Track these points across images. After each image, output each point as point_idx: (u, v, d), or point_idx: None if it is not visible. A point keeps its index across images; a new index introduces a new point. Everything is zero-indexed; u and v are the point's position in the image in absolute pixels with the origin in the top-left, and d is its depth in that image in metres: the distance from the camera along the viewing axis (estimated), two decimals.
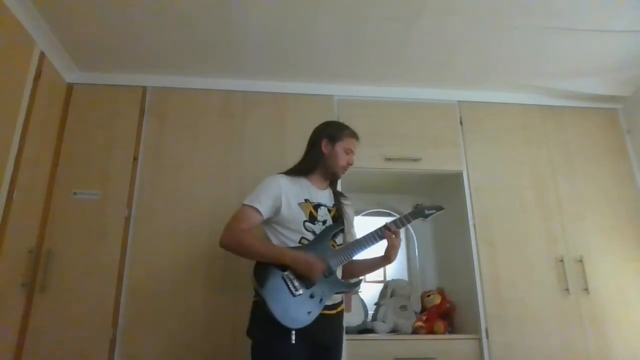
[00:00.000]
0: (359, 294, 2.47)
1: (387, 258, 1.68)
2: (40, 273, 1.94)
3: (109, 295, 1.96)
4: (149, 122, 2.25)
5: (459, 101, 2.48)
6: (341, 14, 1.94)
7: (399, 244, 1.68)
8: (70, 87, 2.24)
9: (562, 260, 2.23)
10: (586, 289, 2.19)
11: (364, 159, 2.28)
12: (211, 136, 2.26)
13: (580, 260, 2.24)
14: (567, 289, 2.19)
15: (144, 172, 2.16)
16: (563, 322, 2.14)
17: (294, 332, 1.42)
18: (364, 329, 2.33)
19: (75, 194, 2.08)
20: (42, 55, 1.98)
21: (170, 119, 2.27)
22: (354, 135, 1.77)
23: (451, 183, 2.42)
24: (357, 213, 2.71)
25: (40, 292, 1.92)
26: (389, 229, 1.64)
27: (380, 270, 2.73)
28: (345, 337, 2.00)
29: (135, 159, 2.17)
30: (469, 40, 2.12)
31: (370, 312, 2.47)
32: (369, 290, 2.61)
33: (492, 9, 1.91)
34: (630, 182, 2.44)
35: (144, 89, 2.30)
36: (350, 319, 2.30)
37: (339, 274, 1.63)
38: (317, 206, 1.66)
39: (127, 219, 2.08)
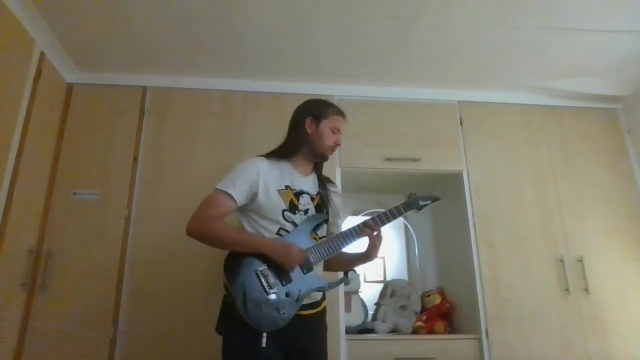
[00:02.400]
0: (359, 294, 2.47)
1: (367, 256, 1.54)
2: (40, 273, 1.94)
3: (109, 295, 1.96)
4: (149, 122, 2.25)
5: (459, 101, 2.48)
6: (341, 14, 1.94)
7: (380, 242, 1.51)
8: (70, 87, 2.24)
9: (562, 260, 2.23)
10: (586, 289, 2.19)
11: (364, 159, 2.29)
12: (211, 136, 2.26)
13: (580, 260, 2.24)
14: (567, 289, 2.19)
15: (144, 172, 2.16)
16: (563, 322, 2.14)
17: (264, 335, 1.31)
18: (364, 329, 2.33)
19: (75, 194, 2.08)
20: (42, 55, 1.98)
21: (170, 119, 2.27)
22: (340, 112, 1.61)
23: (451, 183, 2.42)
24: (357, 213, 2.72)
25: (40, 292, 1.92)
26: (370, 227, 1.49)
27: (380, 270, 2.73)
28: (345, 337, 2.02)
29: (135, 159, 2.17)
30: (469, 40, 2.12)
31: (370, 312, 2.47)
32: (369, 290, 2.61)
33: (492, 8, 1.91)
34: (630, 182, 2.44)
35: (144, 89, 2.30)
36: (350, 319, 2.30)
37: (319, 269, 1.51)
38: (298, 194, 1.51)
39: (127, 219, 2.08)
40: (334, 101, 2.37)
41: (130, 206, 2.10)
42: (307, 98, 2.31)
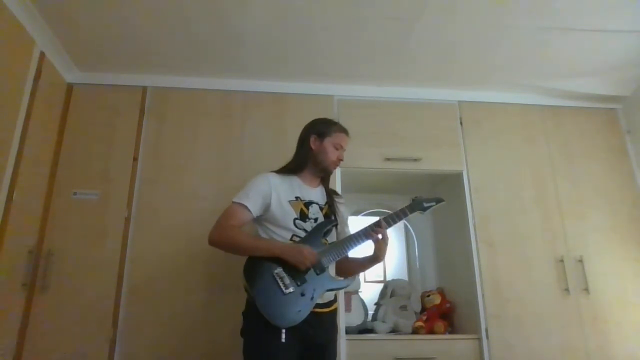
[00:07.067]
0: (359, 294, 2.47)
1: (375, 258, 1.64)
2: (40, 273, 1.94)
3: (109, 295, 1.96)
4: (149, 122, 2.25)
5: (459, 101, 2.48)
6: (341, 14, 1.94)
7: (386, 244, 1.62)
8: (70, 87, 2.24)
9: (562, 260, 2.23)
10: (586, 289, 2.19)
11: (364, 159, 2.29)
12: (211, 136, 2.26)
13: (580, 260, 2.24)
14: (567, 289, 2.19)
15: (144, 172, 2.16)
16: (563, 322, 2.14)
17: (284, 331, 1.41)
18: (364, 329, 2.33)
19: (75, 194, 2.08)
20: (42, 55, 1.98)
21: (170, 119, 2.27)
22: (343, 130, 1.75)
23: (451, 183, 2.42)
24: (357, 213, 2.72)
25: (40, 292, 1.92)
26: (375, 230, 1.59)
27: (380, 270, 2.73)
28: (345, 337, 2.02)
29: (135, 159, 2.17)
30: (469, 40, 2.12)
31: (370, 312, 2.47)
32: (369, 290, 2.61)
33: (492, 9, 1.91)
34: (630, 182, 2.44)
35: (144, 89, 2.30)
36: (350, 319, 2.30)
37: (332, 271, 1.61)
38: (308, 204, 1.64)
39: (127, 219, 2.08)
40: (334, 101, 2.39)
41: (130, 206, 2.10)
42: (307, 98, 2.37)
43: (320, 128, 1.73)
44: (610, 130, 2.54)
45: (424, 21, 1.98)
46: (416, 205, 1.68)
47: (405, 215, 1.66)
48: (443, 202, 1.70)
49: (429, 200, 1.69)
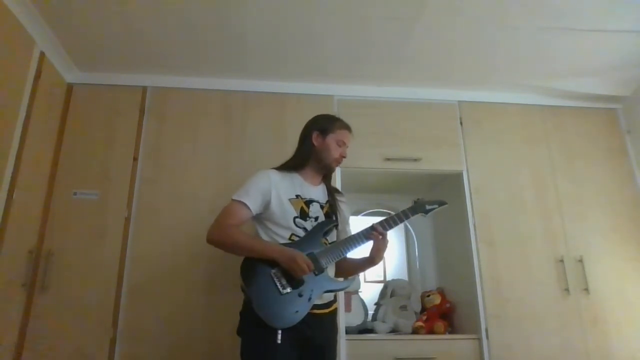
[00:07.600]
0: (359, 294, 2.47)
1: (371, 260, 1.61)
2: (40, 273, 1.94)
3: (109, 295, 1.96)
4: (149, 122, 2.25)
5: (459, 101, 2.48)
6: (341, 14, 1.94)
7: (385, 247, 1.60)
8: (70, 87, 2.25)
9: (562, 260, 2.23)
10: (586, 289, 2.19)
11: (363, 159, 2.29)
12: (211, 136, 2.26)
13: (580, 260, 2.24)
14: (567, 289, 2.19)
15: (144, 172, 2.16)
16: (563, 322, 2.14)
17: (279, 332, 1.38)
18: (364, 329, 2.33)
19: (75, 194, 2.08)
20: (42, 55, 1.98)
21: (170, 119, 2.27)
22: (346, 127, 1.71)
23: (451, 183, 2.42)
24: (357, 213, 2.72)
25: (40, 292, 1.92)
26: (376, 230, 1.57)
27: (380, 270, 2.73)
28: (345, 337, 2.02)
29: (135, 159, 2.17)
30: (469, 40, 2.12)
31: (370, 312, 2.47)
32: (369, 290, 2.61)
33: (493, 8, 1.91)
34: (630, 182, 2.44)
35: (144, 89, 2.30)
36: (350, 319, 2.30)
37: (331, 272, 1.59)
38: (309, 202, 1.60)
39: (127, 219, 2.08)
40: (334, 101, 2.39)
41: (130, 206, 2.10)
42: (307, 98, 2.37)
43: (323, 124, 1.69)
44: (610, 130, 2.54)
45: (424, 21, 1.98)
46: (418, 208, 1.65)
47: (407, 217, 1.63)
48: (446, 205, 1.67)
49: (432, 202, 1.65)
